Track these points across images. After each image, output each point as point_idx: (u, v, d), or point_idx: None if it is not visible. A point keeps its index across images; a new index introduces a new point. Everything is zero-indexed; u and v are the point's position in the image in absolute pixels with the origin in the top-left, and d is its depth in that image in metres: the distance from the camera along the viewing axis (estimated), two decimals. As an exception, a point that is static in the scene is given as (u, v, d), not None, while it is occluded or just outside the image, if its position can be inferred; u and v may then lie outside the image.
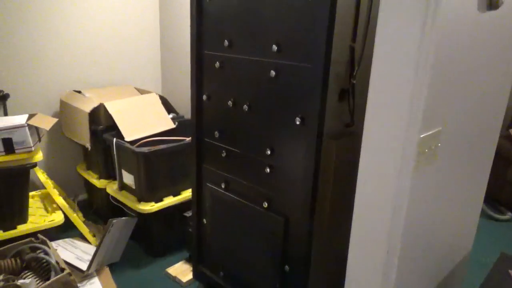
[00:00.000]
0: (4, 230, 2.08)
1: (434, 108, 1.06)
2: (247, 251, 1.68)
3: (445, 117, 1.14)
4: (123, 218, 2.20)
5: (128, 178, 2.30)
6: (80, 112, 2.37)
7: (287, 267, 1.53)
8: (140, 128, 2.38)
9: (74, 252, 2.20)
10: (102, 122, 2.39)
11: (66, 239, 2.36)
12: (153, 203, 2.23)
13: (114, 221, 2.09)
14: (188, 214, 2.19)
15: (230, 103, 1.57)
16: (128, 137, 2.28)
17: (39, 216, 2.28)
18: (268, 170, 1.49)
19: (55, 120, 2.23)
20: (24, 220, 2.17)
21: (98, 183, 2.51)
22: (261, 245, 1.60)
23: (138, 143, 2.29)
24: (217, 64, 1.59)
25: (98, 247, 2.03)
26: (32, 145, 2.06)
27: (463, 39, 1.09)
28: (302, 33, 1.29)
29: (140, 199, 2.25)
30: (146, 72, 3.09)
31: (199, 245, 1.92)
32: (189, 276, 2.11)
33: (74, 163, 2.77)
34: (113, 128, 2.34)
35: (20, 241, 1.87)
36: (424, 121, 1.03)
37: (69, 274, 1.69)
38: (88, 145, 2.40)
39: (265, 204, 1.53)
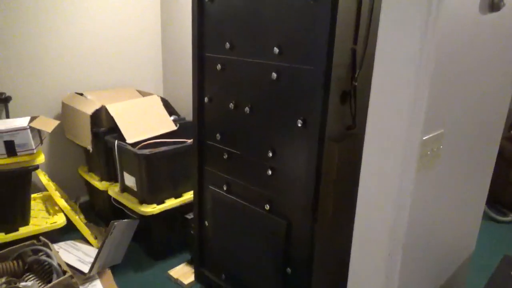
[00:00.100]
0: (6, 233, 2.08)
1: (436, 111, 1.06)
2: (249, 253, 1.68)
3: (447, 119, 1.14)
4: (125, 220, 2.20)
5: (130, 180, 2.30)
6: (82, 114, 2.37)
7: (289, 270, 1.53)
8: (142, 130, 2.38)
9: (76, 254, 2.20)
10: (104, 124, 2.39)
11: (68, 241, 2.36)
12: (154, 205, 2.23)
13: (116, 223, 2.09)
14: (190, 216, 2.19)
15: (231, 105, 1.57)
16: (129, 139, 2.28)
17: (41, 218, 2.28)
18: (269, 172, 1.49)
19: (57, 122, 2.23)
20: (26, 222, 2.17)
21: (100, 185, 2.51)
22: (263, 248, 1.60)
23: (140, 145, 2.29)
24: (219, 66, 1.59)
25: (99, 250, 2.03)
26: (34, 147, 2.06)
27: (465, 41, 1.09)
28: (303, 35, 1.29)
29: (142, 201, 2.26)
30: (148, 73, 3.09)
31: (200, 247, 1.92)
32: (191, 278, 2.11)
33: (75, 165, 2.78)
34: (114, 130, 2.34)
35: (22, 244, 1.88)
36: (426, 124, 1.02)
37: (71, 276, 1.69)
38: (90, 147, 2.40)
39: (267, 207, 1.53)
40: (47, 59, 2.55)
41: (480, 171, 1.59)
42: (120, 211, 2.38)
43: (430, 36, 0.94)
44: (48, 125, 2.16)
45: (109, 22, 2.77)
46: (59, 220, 2.26)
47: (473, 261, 1.80)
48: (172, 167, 2.27)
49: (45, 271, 1.76)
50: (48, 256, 1.79)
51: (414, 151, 1.03)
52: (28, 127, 2.03)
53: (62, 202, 2.32)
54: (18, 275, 1.77)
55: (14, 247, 1.85)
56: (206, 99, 1.69)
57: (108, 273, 2.14)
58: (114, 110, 2.36)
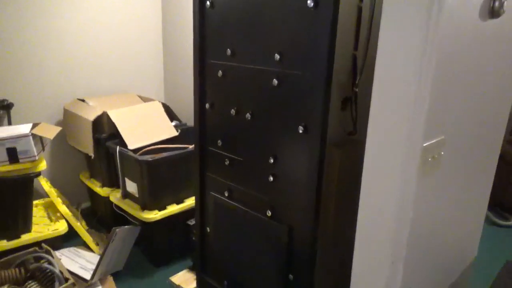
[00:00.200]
0: (8, 240, 2.08)
1: (437, 117, 1.06)
2: (251, 259, 1.67)
3: (448, 125, 1.14)
4: (127, 226, 2.20)
5: (131, 186, 2.30)
6: (84, 120, 2.38)
7: (291, 276, 1.52)
8: (143, 136, 2.38)
9: (78, 261, 2.20)
10: (105, 130, 2.40)
11: (70, 248, 2.36)
12: (156, 211, 2.23)
13: (118, 229, 2.09)
14: (192, 222, 2.19)
15: (233, 111, 1.58)
16: (131, 145, 2.29)
17: (43, 225, 2.28)
18: (271, 178, 1.49)
19: (58, 129, 2.24)
20: (28, 229, 2.17)
21: (102, 191, 2.51)
22: (265, 254, 1.60)
23: (141, 151, 2.29)
24: (220, 73, 1.59)
25: (101, 257, 2.03)
26: (36, 154, 2.07)
27: (465, 47, 1.10)
28: (304, 42, 1.29)
29: (144, 207, 2.26)
30: (149, 79, 3.10)
31: (202, 253, 1.92)
32: (193, 284, 2.10)
33: (77, 172, 2.78)
34: (116, 136, 2.35)
35: (24, 251, 1.88)
36: (427, 130, 1.03)
37: (73, 284, 1.69)
38: (91, 154, 2.41)
39: (269, 213, 1.52)
40: (49, 65, 2.57)
41: (481, 176, 1.59)
42: (121, 217, 2.38)
43: (430, 42, 0.95)
44: (50, 131, 2.17)
45: (110, 29, 2.79)
46: (61, 227, 2.27)
47: (475, 266, 1.80)
48: (173, 173, 2.28)
49: (47, 279, 1.76)
50: (50, 263, 1.79)
51: (415, 157, 1.03)
52: (30, 134, 2.04)
53: (64, 209, 2.32)
54: (20, 283, 1.77)
55: (16, 254, 1.85)
56: (207, 105, 1.69)
57: (110, 280, 2.13)
58: (116, 116, 2.37)
